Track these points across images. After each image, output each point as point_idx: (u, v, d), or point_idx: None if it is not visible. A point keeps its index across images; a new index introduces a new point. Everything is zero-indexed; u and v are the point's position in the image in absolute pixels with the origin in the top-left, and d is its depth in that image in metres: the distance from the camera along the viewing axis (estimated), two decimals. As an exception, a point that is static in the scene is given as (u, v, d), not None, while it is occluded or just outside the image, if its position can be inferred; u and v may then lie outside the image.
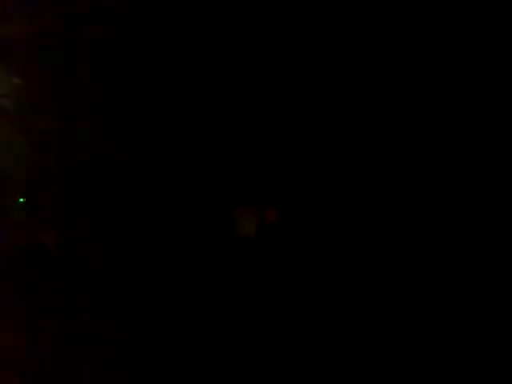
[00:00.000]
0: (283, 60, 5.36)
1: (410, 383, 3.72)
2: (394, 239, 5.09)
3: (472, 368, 3.85)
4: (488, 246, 4.94)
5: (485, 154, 5.35)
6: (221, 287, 5.03)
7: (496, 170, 5.29)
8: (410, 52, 5.31)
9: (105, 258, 5.64)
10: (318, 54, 5.29)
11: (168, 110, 5.67)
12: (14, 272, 5.80)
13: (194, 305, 4.82)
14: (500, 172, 5.24)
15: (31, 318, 4.90)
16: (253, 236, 5.52)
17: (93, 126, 6.04)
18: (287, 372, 3.80)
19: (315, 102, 5.41)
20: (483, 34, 5.15)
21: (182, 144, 5.75)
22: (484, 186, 5.25)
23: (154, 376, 3.79)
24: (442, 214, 5.13)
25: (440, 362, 3.93)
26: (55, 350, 4.28)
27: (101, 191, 5.99)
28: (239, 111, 5.57)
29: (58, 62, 5.93)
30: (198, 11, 5.42)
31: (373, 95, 5.30)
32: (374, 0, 5.07)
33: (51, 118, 6.18)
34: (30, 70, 6.01)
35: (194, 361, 4.02)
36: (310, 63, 5.31)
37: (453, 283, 4.83)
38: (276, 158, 5.57)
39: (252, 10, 5.29)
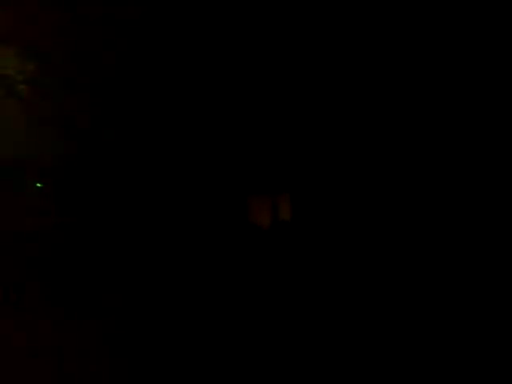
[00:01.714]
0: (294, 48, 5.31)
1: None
2: (415, 231, 5.06)
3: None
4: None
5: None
6: (233, 278, 5.00)
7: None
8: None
9: (116, 245, 5.63)
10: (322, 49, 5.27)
11: (181, 96, 5.65)
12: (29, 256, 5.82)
13: (204, 296, 4.82)
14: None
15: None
16: (267, 225, 5.47)
17: (108, 113, 6.05)
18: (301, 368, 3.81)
19: (329, 88, 5.36)
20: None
21: (194, 131, 5.74)
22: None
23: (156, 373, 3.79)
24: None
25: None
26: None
27: (113, 177, 6.01)
28: (252, 98, 5.53)
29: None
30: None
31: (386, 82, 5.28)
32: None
33: (66, 103, 6.21)
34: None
35: (202, 353, 4.03)
36: (318, 55, 5.28)
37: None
38: (291, 145, 5.53)
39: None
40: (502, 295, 4.61)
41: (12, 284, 5.33)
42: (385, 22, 5.25)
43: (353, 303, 4.62)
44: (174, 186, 5.80)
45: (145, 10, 5.59)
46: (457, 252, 4.99)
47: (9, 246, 5.82)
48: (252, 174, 5.60)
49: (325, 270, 4.93)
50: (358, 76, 5.38)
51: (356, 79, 5.38)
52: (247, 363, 3.90)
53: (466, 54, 5.34)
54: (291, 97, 5.53)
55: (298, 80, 5.47)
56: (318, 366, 3.85)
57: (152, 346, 4.14)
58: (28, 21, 5.69)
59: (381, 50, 5.26)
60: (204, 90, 5.66)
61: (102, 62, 5.96)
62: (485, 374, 3.79)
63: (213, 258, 5.19)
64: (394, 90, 5.38)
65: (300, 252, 5.12)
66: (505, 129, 5.33)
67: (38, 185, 6.14)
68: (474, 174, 5.38)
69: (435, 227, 5.12)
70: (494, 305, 4.57)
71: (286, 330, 4.34)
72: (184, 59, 5.51)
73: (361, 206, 5.31)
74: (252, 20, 5.37)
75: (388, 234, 5.16)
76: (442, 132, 5.40)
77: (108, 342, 4.28)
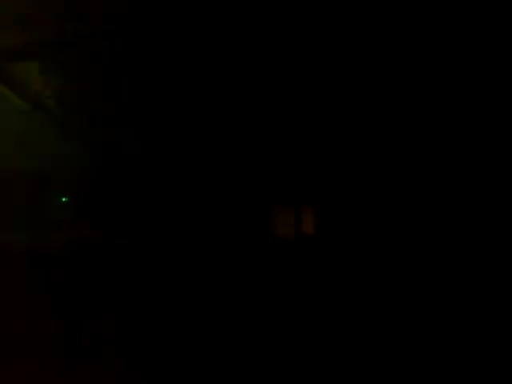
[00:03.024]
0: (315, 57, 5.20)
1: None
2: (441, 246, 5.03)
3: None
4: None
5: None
6: (256, 289, 4.98)
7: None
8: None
9: (143, 253, 5.58)
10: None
11: (203, 105, 5.58)
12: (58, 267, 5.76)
13: (227, 307, 4.80)
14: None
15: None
16: (290, 237, 5.41)
17: (133, 123, 6.04)
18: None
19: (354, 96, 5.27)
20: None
21: (218, 140, 5.70)
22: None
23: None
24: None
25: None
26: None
27: (138, 187, 6.01)
28: (277, 108, 5.45)
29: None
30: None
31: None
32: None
33: (91, 117, 6.22)
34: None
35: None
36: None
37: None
38: (315, 155, 5.47)
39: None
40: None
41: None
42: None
43: (374, 316, 4.63)
44: (197, 197, 5.79)
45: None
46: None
47: (32, 261, 5.74)
48: (275, 186, 5.56)
49: (348, 283, 4.89)
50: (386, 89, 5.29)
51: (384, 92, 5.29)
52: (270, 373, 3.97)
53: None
54: (317, 107, 5.44)
55: (325, 91, 5.36)
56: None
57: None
58: (53, 35, 5.64)
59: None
60: (229, 101, 5.59)
61: (128, 76, 5.90)
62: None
63: (236, 269, 5.17)
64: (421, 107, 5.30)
65: (323, 264, 5.08)
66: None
67: (64, 199, 6.10)
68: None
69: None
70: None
71: (306, 342, 4.36)
72: (211, 79, 5.40)
73: (385, 219, 5.27)
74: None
75: (413, 246, 5.11)
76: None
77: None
